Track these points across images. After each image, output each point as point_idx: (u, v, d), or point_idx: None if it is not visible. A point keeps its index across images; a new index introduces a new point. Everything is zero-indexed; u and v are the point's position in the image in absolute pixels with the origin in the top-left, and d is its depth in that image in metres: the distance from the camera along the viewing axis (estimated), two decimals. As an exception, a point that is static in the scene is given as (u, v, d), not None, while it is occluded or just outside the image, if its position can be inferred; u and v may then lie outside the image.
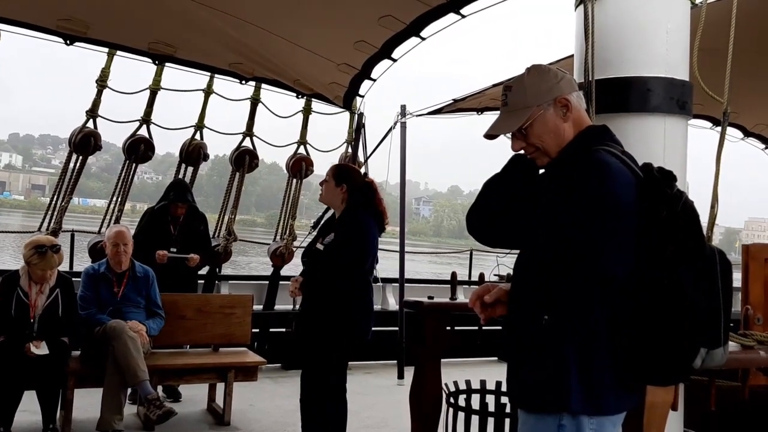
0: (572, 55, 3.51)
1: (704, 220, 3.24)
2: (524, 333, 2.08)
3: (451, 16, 5.02)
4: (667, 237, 1.96)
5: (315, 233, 4.59)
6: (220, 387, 5.62)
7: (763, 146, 9.36)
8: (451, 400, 4.50)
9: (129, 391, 5.21)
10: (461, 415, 4.38)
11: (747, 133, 8.95)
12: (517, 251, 2.19)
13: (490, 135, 2.20)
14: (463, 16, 4.99)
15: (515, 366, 2.14)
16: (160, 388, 5.42)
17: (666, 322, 1.93)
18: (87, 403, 5.14)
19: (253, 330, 6.31)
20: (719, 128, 3.47)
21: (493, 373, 4.37)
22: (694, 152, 3.46)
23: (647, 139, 3.18)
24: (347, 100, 7.36)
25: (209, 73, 7.30)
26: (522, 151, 2.18)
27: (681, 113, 3.24)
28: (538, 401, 2.04)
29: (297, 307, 7.40)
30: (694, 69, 3.25)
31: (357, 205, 4.33)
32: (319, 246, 4.31)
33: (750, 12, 4.11)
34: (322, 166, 4.69)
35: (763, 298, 4.01)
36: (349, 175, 4.42)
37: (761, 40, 5.59)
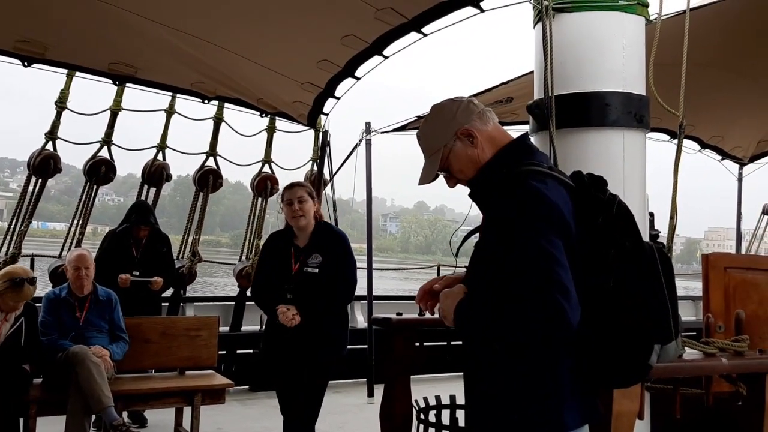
0: (533, 72, 3.57)
1: (664, 231, 3.32)
2: (480, 355, 2.08)
3: (413, 35, 5.07)
4: (606, 241, 1.99)
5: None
6: (187, 411, 5.53)
7: (720, 157, 9.59)
8: (422, 416, 4.49)
9: (93, 417, 5.10)
10: (432, 431, 4.38)
11: (703, 145, 9.16)
12: None
13: (422, 183, 2.27)
14: (425, 35, 5.04)
15: (472, 391, 2.14)
16: (125, 414, 5.31)
17: (618, 324, 1.95)
18: (50, 431, 5.01)
19: (220, 352, 6.22)
20: (676, 141, 3.56)
21: (463, 388, 4.37)
22: (653, 165, 3.54)
23: (607, 152, 3.24)
24: (311, 119, 7.35)
25: (171, 93, 7.24)
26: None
27: (639, 127, 3.32)
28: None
29: (263, 327, 7.35)
30: (650, 83, 3.34)
31: (320, 217, 4.36)
32: (311, 269, 4.16)
33: (703, 27, 4.23)
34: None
35: (723, 306, 4.08)
36: (313, 189, 4.43)
37: (715, 55, 5.76)
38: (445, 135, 2.18)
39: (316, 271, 4.16)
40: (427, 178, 2.24)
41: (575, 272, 1.88)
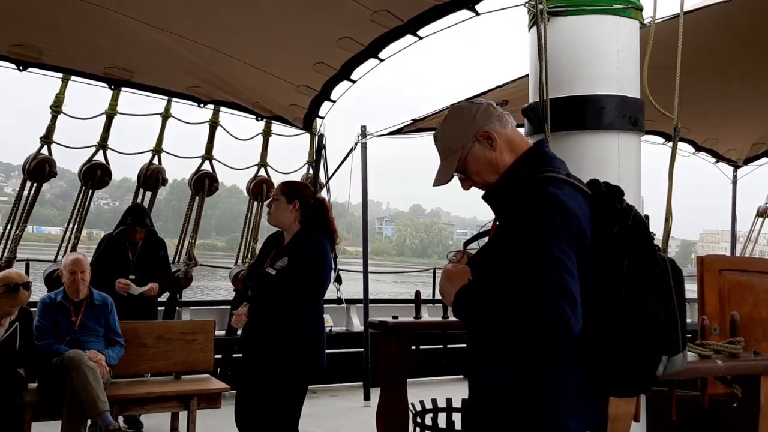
0: (528, 75, 3.58)
1: (659, 233, 3.32)
2: (484, 356, 2.08)
3: (409, 38, 5.08)
4: (620, 251, 2.00)
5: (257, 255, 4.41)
6: (183, 415, 5.52)
7: (714, 160, 9.62)
8: (418, 419, 4.49)
9: (89, 422, 5.08)
10: (428, 434, 4.38)
11: (698, 148, 9.19)
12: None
13: (437, 184, 2.27)
14: (420, 38, 5.05)
15: (475, 393, 2.15)
16: (121, 419, 5.29)
17: (627, 333, 1.96)
18: (45, 436, 5.00)
19: (216, 356, 6.22)
20: (671, 143, 3.57)
21: (459, 391, 4.38)
22: (648, 167, 3.55)
23: (602, 155, 3.26)
24: (307, 122, 7.36)
25: (167, 97, 7.24)
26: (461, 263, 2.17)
27: (634, 130, 3.33)
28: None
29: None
30: (644, 86, 3.35)
31: (310, 224, 4.10)
32: (270, 270, 4.01)
33: (696, 31, 4.25)
34: (283, 188, 4.53)
35: (718, 308, 4.10)
36: (300, 192, 4.16)
37: (709, 58, 5.78)
38: (464, 136, 2.18)
39: (274, 273, 3.99)
40: (443, 179, 2.24)
41: (588, 279, 1.90)
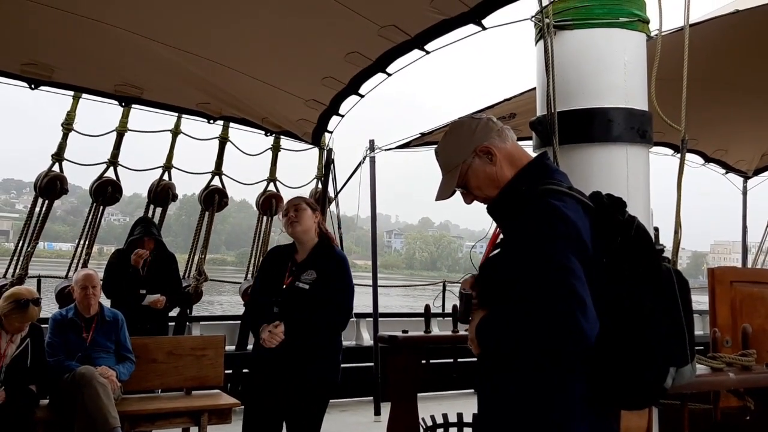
0: (535, 88, 3.59)
1: (669, 245, 3.31)
2: (489, 365, 2.08)
3: (416, 52, 5.11)
4: (623, 262, 2.00)
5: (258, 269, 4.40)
6: (194, 431, 5.52)
7: (724, 171, 9.60)
8: (429, 434, 4.47)
9: (100, 438, 5.09)
10: (439, 449, 4.36)
11: (707, 159, 9.17)
12: None
13: (439, 198, 2.29)
14: (428, 52, 5.08)
15: (482, 406, 2.14)
16: (131, 435, 5.30)
17: (633, 344, 1.95)
18: (56, 453, 4.99)
19: (226, 371, 6.21)
20: (680, 155, 3.56)
21: (470, 405, 4.36)
22: (657, 179, 3.54)
23: (611, 168, 3.25)
24: (316, 137, 7.40)
25: (177, 114, 7.30)
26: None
27: (642, 142, 3.33)
28: None
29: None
30: (652, 99, 3.35)
31: (326, 236, 4.16)
32: (302, 285, 3.93)
33: (703, 43, 4.26)
34: (293, 203, 4.53)
35: (730, 320, 4.08)
36: (317, 205, 4.25)
37: (717, 69, 5.79)
38: (464, 151, 2.20)
39: (307, 287, 3.92)
40: (444, 193, 2.26)
41: (590, 291, 1.89)
